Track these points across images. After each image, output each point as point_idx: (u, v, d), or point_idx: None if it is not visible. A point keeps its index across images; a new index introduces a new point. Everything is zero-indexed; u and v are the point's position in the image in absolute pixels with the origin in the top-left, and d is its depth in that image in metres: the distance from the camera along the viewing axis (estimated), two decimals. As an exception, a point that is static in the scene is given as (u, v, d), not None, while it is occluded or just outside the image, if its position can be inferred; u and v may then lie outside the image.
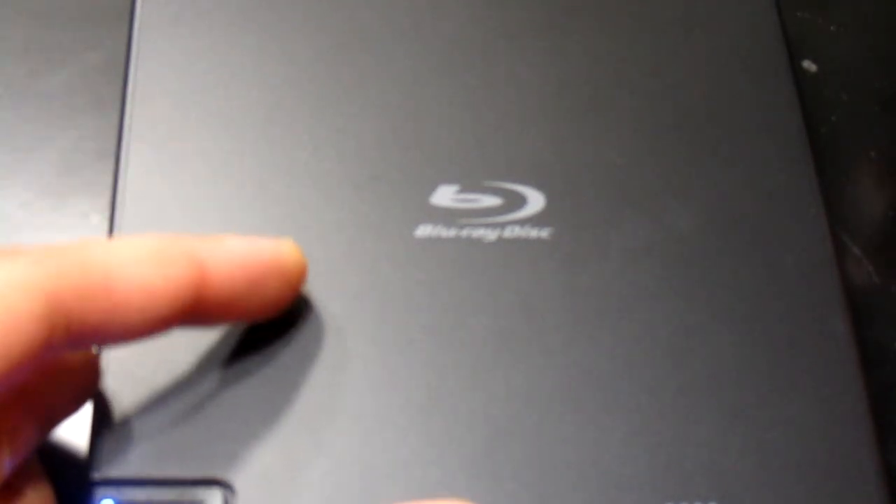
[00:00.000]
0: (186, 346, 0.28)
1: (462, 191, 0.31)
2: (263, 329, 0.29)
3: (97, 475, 0.26)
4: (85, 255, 0.24)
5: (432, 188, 0.31)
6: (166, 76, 0.32)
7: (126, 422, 0.27)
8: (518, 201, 0.31)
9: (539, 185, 0.31)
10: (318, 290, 0.29)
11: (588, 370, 0.29)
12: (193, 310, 0.25)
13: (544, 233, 0.31)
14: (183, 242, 0.26)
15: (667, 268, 0.30)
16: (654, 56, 0.34)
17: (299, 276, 0.28)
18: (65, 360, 0.26)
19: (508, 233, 0.31)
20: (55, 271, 0.23)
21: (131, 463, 0.27)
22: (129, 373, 0.28)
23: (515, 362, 0.29)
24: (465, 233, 0.31)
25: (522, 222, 0.31)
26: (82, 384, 0.27)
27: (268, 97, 0.32)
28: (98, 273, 0.24)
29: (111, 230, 0.30)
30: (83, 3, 0.37)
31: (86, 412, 0.28)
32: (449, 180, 0.31)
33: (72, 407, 0.27)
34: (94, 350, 0.27)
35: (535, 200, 0.31)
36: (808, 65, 0.38)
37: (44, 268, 0.23)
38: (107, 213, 0.32)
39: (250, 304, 0.27)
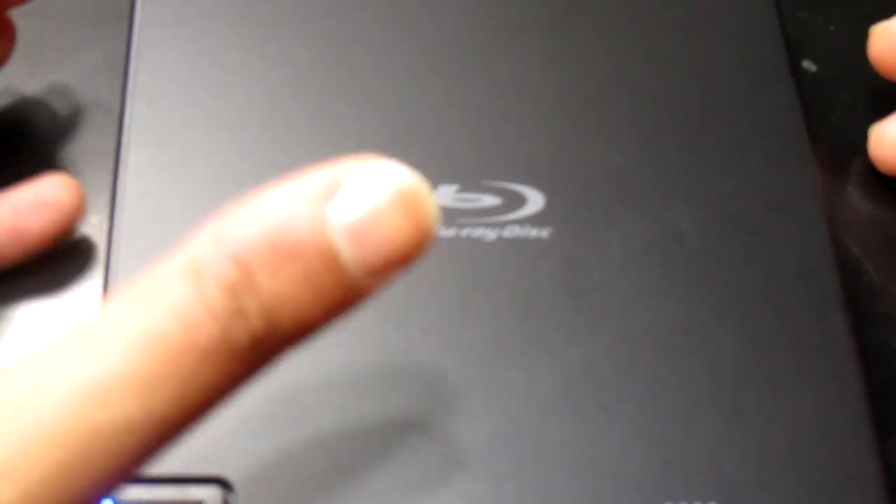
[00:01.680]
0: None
1: (462, 190, 0.31)
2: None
3: (96, 474, 0.26)
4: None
5: (432, 188, 0.31)
6: (166, 76, 0.32)
7: (125, 421, 0.27)
8: (518, 201, 0.31)
9: (539, 185, 0.31)
10: (317, 289, 0.29)
11: (588, 370, 0.29)
12: None
13: (544, 233, 0.31)
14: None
15: (667, 268, 0.30)
16: (655, 56, 0.34)
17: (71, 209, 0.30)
18: None
19: (508, 232, 0.31)
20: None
21: (131, 462, 0.27)
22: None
23: (515, 362, 0.29)
24: (464, 233, 0.31)
25: (522, 222, 0.31)
26: None
27: (267, 97, 0.32)
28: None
29: (111, 230, 0.30)
30: (83, 3, 0.37)
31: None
32: (449, 180, 0.31)
33: None
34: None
35: (535, 200, 0.31)
36: (808, 65, 0.38)
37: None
38: (107, 213, 0.32)
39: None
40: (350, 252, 0.19)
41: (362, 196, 0.19)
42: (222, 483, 0.26)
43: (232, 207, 0.20)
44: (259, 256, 0.19)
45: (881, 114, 0.36)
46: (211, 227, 0.19)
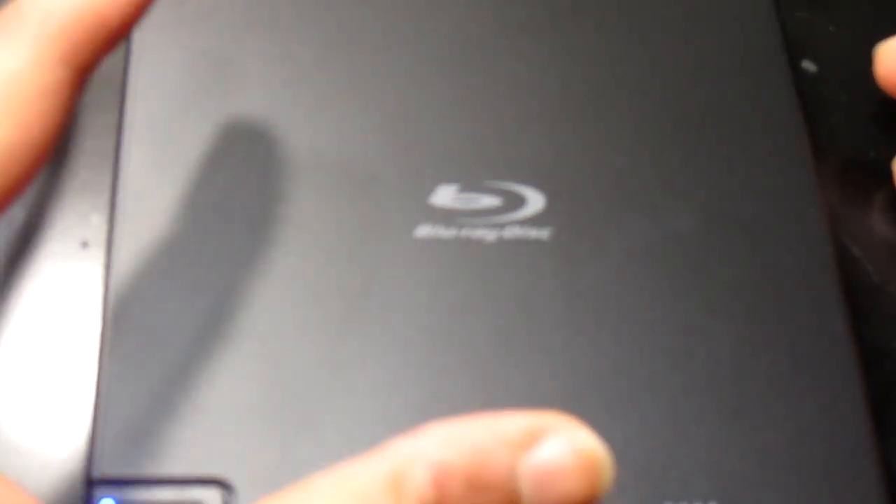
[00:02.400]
0: (187, 346, 0.28)
1: (462, 191, 0.31)
2: (263, 328, 0.29)
3: (97, 474, 0.26)
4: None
5: (432, 188, 0.31)
6: (166, 76, 0.32)
7: (126, 421, 0.27)
8: (518, 201, 0.31)
9: (539, 185, 0.31)
10: (318, 290, 0.29)
11: (588, 370, 0.29)
12: None
13: (544, 233, 0.31)
14: None
15: (667, 268, 0.30)
16: (654, 56, 0.34)
17: None
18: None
19: (508, 233, 0.31)
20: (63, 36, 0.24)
21: (131, 462, 0.27)
22: (130, 372, 0.28)
23: (515, 362, 0.29)
24: (464, 233, 0.31)
25: (522, 222, 0.31)
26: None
27: (267, 97, 0.32)
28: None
29: (111, 230, 0.30)
30: (83, 3, 0.37)
31: (86, 411, 0.28)
32: (449, 180, 0.31)
33: None
34: None
35: (535, 200, 0.31)
36: (808, 65, 0.38)
37: (50, 41, 0.24)
38: (107, 213, 0.32)
39: None
40: (530, 499, 0.22)
41: (555, 455, 0.22)
42: (223, 484, 0.26)
43: (436, 426, 0.22)
44: (455, 484, 0.22)
45: (881, 114, 0.36)
46: (418, 441, 0.22)
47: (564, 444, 0.22)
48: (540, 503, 0.22)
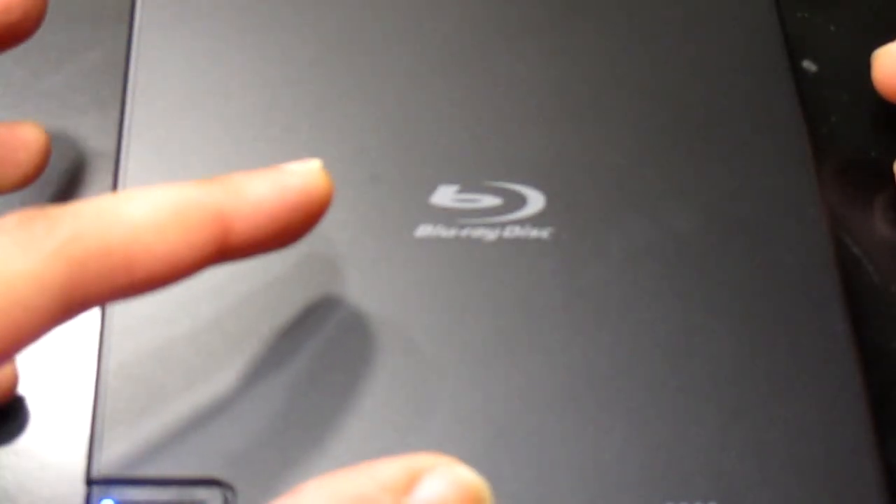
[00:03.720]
0: (187, 346, 0.28)
1: (462, 191, 0.31)
2: (263, 329, 0.29)
3: (97, 475, 0.26)
4: (107, 236, 0.23)
5: (432, 188, 0.31)
6: (166, 76, 0.32)
7: (126, 421, 0.27)
8: (518, 201, 0.31)
9: (539, 185, 0.31)
10: (318, 290, 0.29)
11: (588, 370, 0.29)
12: (212, 263, 0.25)
13: (544, 233, 0.31)
14: (206, 203, 0.24)
15: (667, 268, 0.30)
16: (655, 56, 0.34)
17: (325, 206, 0.27)
18: None
19: (508, 233, 0.31)
20: (77, 261, 0.22)
21: (131, 462, 0.27)
22: (130, 372, 0.28)
23: (515, 362, 0.29)
24: (465, 233, 0.31)
25: (522, 222, 0.31)
26: None
27: (267, 97, 0.32)
28: (120, 255, 0.23)
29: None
30: (83, 3, 0.37)
31: (86, 411, 0.28)
32: (449, 180, 0.31)
33: None
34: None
35: (535, 200, 0.31)
36: (808, 65, 0.38)
37: (65, 261, 0.22)
38: (107, 213, 0.32)
39: (271, 246, 0.26)
40: None
41: (437, 492, 0.22)
42: (223, 485, 0.26)
43: (314, 483, 0.22)
44: None
45: (881, 114, 0.36)
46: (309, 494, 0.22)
47: (444, 480, 0.22)
48: None
